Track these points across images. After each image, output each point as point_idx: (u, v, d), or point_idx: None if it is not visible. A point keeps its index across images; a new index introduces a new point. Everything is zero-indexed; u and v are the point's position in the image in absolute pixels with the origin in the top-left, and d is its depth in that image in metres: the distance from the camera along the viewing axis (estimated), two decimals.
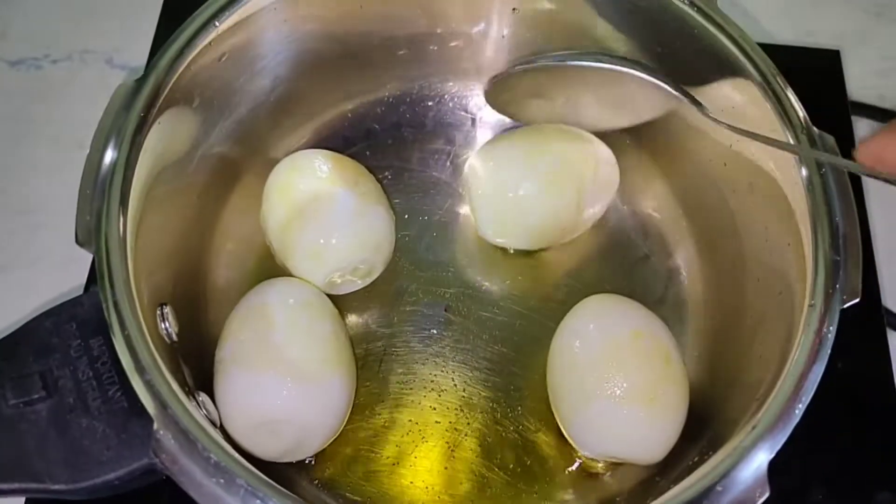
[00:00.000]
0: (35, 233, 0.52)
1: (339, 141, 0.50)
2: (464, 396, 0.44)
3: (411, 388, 0.45)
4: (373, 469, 0.42)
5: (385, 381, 0.45)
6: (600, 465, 0.43)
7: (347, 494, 0.42)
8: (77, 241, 0.35)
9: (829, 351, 0.34)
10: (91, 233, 0.35)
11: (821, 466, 0.45)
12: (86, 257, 0.48)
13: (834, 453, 0.45)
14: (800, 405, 0.33)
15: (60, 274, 0.50)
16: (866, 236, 0.52)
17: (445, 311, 0.47)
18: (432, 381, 0.45)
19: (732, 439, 0.33)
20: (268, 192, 0.45)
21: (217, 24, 0.39)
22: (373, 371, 0.45)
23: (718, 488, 0.31)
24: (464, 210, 0.50)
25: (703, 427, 0.40)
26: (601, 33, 0.45)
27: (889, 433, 0.46)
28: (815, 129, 0.39)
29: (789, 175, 0.38)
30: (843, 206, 0.37)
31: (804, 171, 0.38)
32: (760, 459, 0.32)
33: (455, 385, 0.45)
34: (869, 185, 0.55)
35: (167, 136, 0.39)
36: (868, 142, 0.34)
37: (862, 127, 0.58)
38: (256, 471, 0.32)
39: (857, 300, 0.35)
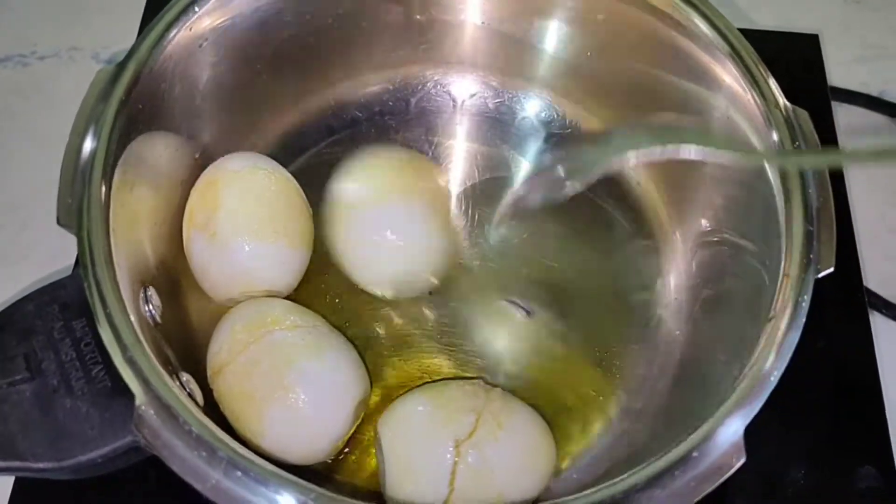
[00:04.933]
0: (23, 228, 0.53)
1: (323, 130, 0.51)
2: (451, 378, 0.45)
3: (400, 374, 0.45)
4: (356, 454, 0.43)
5: (371, 367, 0.44)
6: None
7: (334, 476, 0.42)
8: (58, 222, 0.35)
9: (804, 320, 0.35)
10: (72, 214, 0.35)
11: (802, 444, 0.45)
12: (74, 251, 0.48)
13: (815, 431, 0.46)
14: (775, 372, 0.33)
15: (49, 268, 0.51)
16: (847, 218, 0.53)
17: (430, 294, 0.47)
18: (420, 365, 0.45)
19: (709, 407, 0.33)
20: (195, 187, 0.44)
21: (197, 9, 0.40)
22: None
23: (695, 454, 0.32)
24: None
25: (689, 407, 0.40)
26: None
27: (870, 411, 0.47)
28: (788, 104, 0.39)
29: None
30: (817, 178, 0.37)
31: (777, 140, 0.38)
32: (737, 426, 0.32)
33: (443, 368, 0.45)
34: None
35: (149, 120, 0.39)
36: None
37: (842, 113, 0.58)
38: (238, 444, 0.32)
39: (832, 270, 0.36)
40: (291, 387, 0.38)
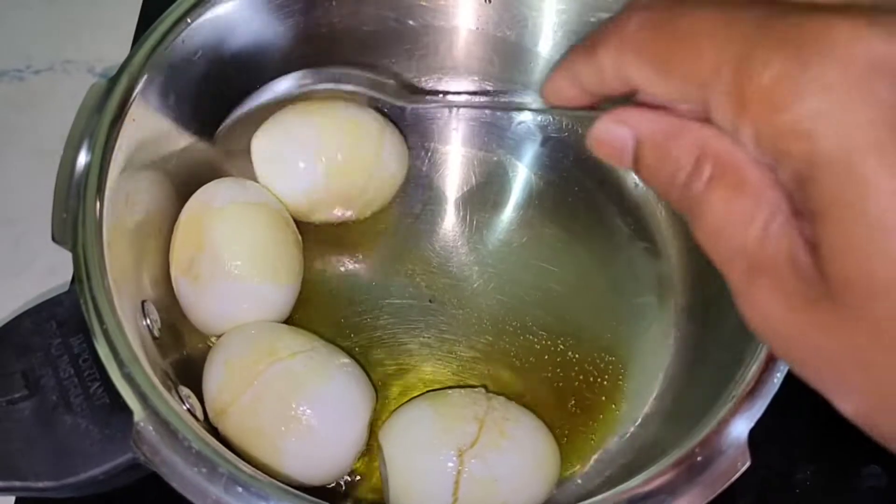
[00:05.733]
0: (20, 242, 0.53)
1: None
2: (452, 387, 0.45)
3: (401, 383, 0.45)
4: (358, 464, 0.42)
5: (372, 378, 0.44)
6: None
7: (336, 489, 0.42)
8: (53, 239, 0.35)
9: None
10: (67, 229, 0.35)
11: (807, 444, 0.45)
12: (72, 266, 0.48)
13: (819, 431, 0.45)
14: (778, 374, 0.33)
15: (47, 282, 0.51)
16: None
17: (430, 301, 0.47)
18: (421, 374, 0.45)
19: (712, 410, 0.33)
20: (178, 224, 0.43)
21: (189, 21, 0.40)
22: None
23: (699, 458, 0.32)
24: (442, 202, 0.51)
25: (693, 410, 0.40)
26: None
27: None
28: None
29: None
30: None
31: None
32: (741, 429, 0.32)
33: (444, 376, 0.45)
34: None
35: (143, 133, 0.39)
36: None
37: None
38: (239, 460, 0.32)
39: None
40: (303, 417, 0.38)
